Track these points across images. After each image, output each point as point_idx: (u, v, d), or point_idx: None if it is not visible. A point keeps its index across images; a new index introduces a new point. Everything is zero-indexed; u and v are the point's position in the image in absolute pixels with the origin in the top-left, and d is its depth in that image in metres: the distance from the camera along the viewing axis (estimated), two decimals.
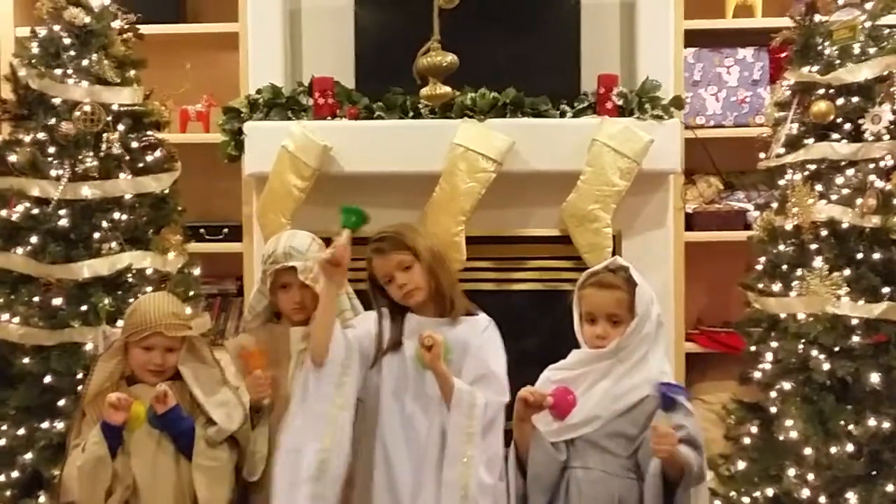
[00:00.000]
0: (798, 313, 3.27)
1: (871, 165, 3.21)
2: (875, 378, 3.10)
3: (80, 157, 3.45)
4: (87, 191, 3.45)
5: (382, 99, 3.99)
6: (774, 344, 3.35)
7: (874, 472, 3.14)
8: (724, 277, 4.00)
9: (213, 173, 4.30)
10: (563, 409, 2.75)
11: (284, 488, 2.81)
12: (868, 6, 3.33)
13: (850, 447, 3.12)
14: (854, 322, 3.16)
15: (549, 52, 4.03)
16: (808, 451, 3.17)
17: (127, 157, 3.54)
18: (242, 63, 4.29)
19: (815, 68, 3.38)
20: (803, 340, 3.23)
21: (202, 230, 4.40)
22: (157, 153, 3.65)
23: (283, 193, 3.90)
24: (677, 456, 2.62)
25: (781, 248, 3.43)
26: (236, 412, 2.91)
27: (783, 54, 3.72)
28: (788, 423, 3.21)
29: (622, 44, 4.21)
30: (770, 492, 3.30)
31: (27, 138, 3.49)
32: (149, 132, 3.68)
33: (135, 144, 3.59)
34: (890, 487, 3.08)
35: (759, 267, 3.54)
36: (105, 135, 3.49)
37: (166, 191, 3.66)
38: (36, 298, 3.41)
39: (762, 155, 3.62)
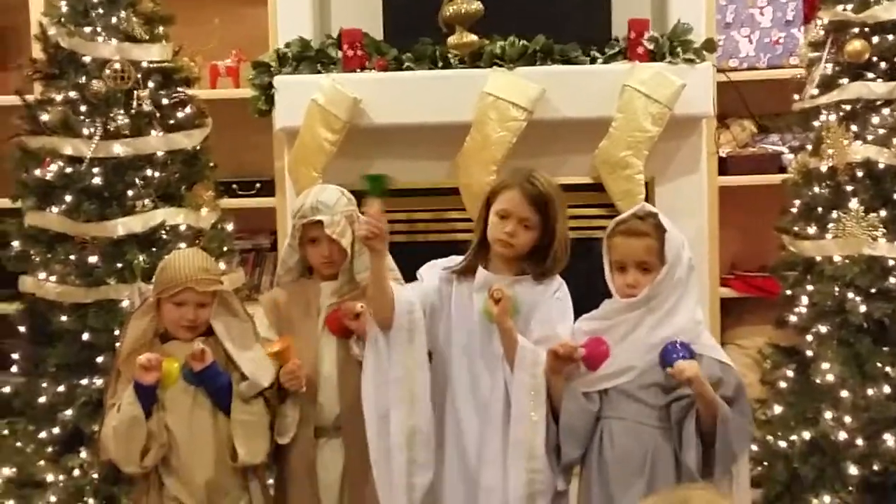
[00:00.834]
0: (834, 256, 3.26)
1: None
2: None
3: (111, 114, 3.47)
4: (118, 148, 3.46)
5: (411, 50, 3.96)
6: (810, 287, 3.34)
7: None
8: (759, 221, 3.97)
9: (244, 128, 4.31)
10: (595, 360, 2.73)
11: (381, 455, 2.85)
12: None
13: (886, 389, 3.11)
14: (891, 263, 3.15)
15: None
16: (844, 393, 3.16)
17: (158, 115, 3.55)
18: (271, 17, 4.28)
19: (850, 6, 3.32)
20: (839, 283, 3.22)
21: (234, 186, 4.42)
22: (188, 109, 3.65)
23: (315, 147, 3.90)
24: (704, 389, 2.56)
25: (816, 190, 3.40)
26: (267, 371, 2.92)
27: None
28: (825, 366, 3.21)
29: None
30: (807, 435, 3.29)
31: (59, 97, 3.51)
32: (179, 89, 3.67)
33: (165, 101, 3.59)
34: None
35: (794, 210, 3.51)
36: (135, 92, 3.50)
37: (198, 147, 3.67)
38: (72, 257, 3.44)
39: (796, 97, 3.58)
